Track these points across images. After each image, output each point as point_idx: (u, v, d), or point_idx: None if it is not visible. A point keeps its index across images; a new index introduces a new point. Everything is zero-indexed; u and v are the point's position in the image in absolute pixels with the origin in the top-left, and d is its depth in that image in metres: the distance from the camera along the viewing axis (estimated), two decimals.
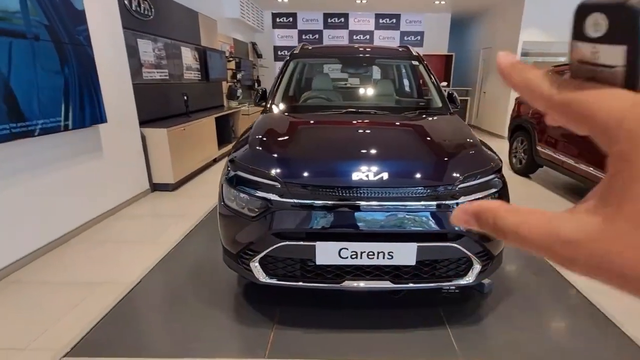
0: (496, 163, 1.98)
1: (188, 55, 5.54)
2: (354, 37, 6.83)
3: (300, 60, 3.34)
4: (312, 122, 2.48)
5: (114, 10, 3.73)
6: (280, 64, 7.36)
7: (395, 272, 1.87)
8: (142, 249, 2.91)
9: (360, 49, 3.37)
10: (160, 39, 4.69)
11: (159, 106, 4.72)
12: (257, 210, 1.85)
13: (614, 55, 0.19)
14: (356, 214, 1.77)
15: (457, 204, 1.79)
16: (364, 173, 1.79)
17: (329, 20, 6.79)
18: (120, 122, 3.78)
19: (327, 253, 1.79)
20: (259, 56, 10.32)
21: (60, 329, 1.97)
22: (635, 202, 0.18)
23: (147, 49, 4.42)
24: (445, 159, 1.94)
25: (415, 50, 3.37)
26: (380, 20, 6.77)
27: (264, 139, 2.16)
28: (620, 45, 0.19)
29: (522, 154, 5.18)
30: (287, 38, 6.86)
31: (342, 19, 6.78)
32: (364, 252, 1.78)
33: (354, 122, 2.46)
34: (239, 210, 1.91)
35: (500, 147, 6.94)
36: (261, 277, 1.90)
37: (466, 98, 8.50)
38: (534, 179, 5.09)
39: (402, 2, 8.64)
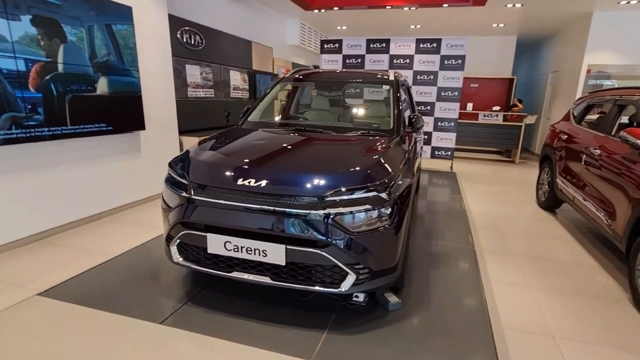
0: (385, 180, 2.02)
1: (237, 77, 6.32)
2: (394, 62, 6.89)
3: (286, 83, 3.67)
4: (249, 135, 2.78)
5: (166, 43, 4.58)
6: None
7: (275, 271, 2.06)
8: (143, 231, 3.53)
9: (341, 74, 3.56)
10: (209, 64, 5.51)
11: (201, 119, 5.52)
12: (175, 203, 2.23)
13: None
14: (238, 213, 2.02)
15: (321, 215, 1.91)
16: (248, 180, 2.04)
17: (372, 46, 6.98)
18: (161, 129, 4.58)
19: (215, 244, 2.07)
20: None
21: (49, 278, 2.60)
22: None
23: (194, 72, 5.25)
24: (324, 173, 2.06)
25: (398, 76, 3.42)
26: (421, 45, 6.71)
27: (200, 147, 2.55)
28: None
29: (546, 187, 4.63)
30: (333, 62, 7.25)
31: (384, 44, 6.90)
32: (244, 247, 2.02)
33: (285, 138, 2.70)
34: (167, 203, 2.32)
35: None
36: (175, 259, 2.27)
37: (520, 124, 7.76)
38: (560, 215, 4.50)
39: (457, 25, 8.39)
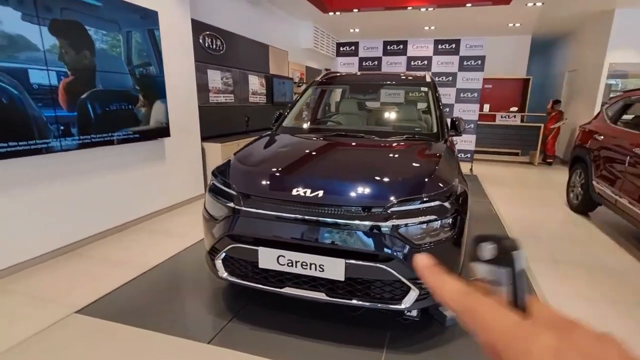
0: (440, 191, 1.89)
1: (255, 82, 6.21)
2: (412, 63, 6.76)
3: (319, 87, 3.55)
4: (291, 142, 2.67)
5: (189, 49, 4.48)
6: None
7: (330, 286, 1.92)
8: (173, 241, 3.41)
9: (375, 76, 3.44)
10: (229, 69, 5.40)
11: (222, 125, 5.40)
12: (221, 214, 2.10)
13: (502, 276, 0.24)
14: (293, 226, 1.89)
15: (387, 226, 1.78)
16: (304, 190, 1.91)
17: (389, 48, 6.86)
18: (184, 136, 4.47)
19: (267, 258, 1.94)
20: None
21: (83, 293, 2.48)
22: None
23: (215, 77, 5.15)
24: (386, 181, 1.93)
25: (430, 77, 3.30)
26: (439, 46, 6.57)
27: (243, 154, 2.42)
28: (505, 268, 0.24)
29: (579, 189, 4.46)
30: (349, 65, 7.13)
31: (401, 46, 6.78)
32: (299, 261, 1.89)
33: (330, 144, 2.57)
34: (211, 214, 2.19)
35: (562, 176, 6.08)
36: (221, 273, 2.14)
37: (539, 125, 7.58)
38: (593, 219, 4.33)
39: (473, 26, 8.25)
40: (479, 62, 6.42)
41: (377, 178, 1.98)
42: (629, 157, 3.35)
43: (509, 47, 9.13)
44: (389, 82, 3.41)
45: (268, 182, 2.04)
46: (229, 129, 5.59)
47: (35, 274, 2.73)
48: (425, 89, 3.13)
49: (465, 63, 6.49)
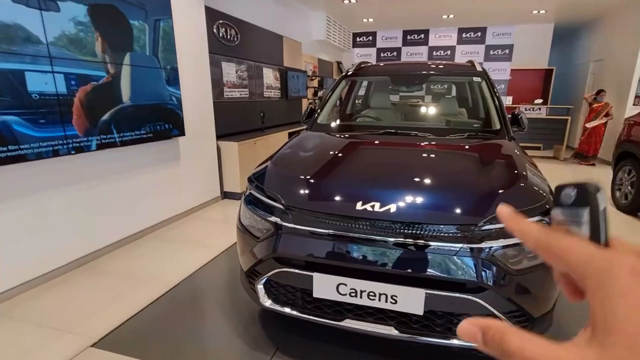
0: (542, 203, 1.53)
1: (269, 75, 5.82)
2: (434, 54, 6.35)
3: (354, 79, 3.17)
4: (339, 143, 2.30)
5: (204, 39, 4.10)
6: None
7: (401, 319, 1.58)
8: (195, 251, 3.07)
9: (417, 65, 3.05)
10: (244, 61, 5.02)
11: (237, 122, 5.03)
12: (264, 231, 1.75)
13: (583, 216, 0.26)
14: (358, 247, 1.54)
15: (479, 249, 1.42)
16: (371, 203, 1.55)
17: (409, 38, 6.45)
18: (199, 135, 4.11)
19: (324, 286, 1.59)
20: None
21: (99, 321, 2.14)
22: (619, 330, 0.20)
23: (230, 70, 4.76)
24: (472, 194, 1.57)
25: (480, 66, 2.92)
26: (464, 35, 6.16)
27: (281, 157, 2.07)
28: (586, 208, 0.25)
29: (629, 187, 4.09)
30: (366, 57, 6.71)
31: (422, 36, 6.37)
32: (365, 291, 1.54)
33: (385, 145, 2.20)
34: (248, 230, 1.84)
35: (603, 175, 5.67)
36: (264, 300, 1.79)
37: (566, 117, 7.17)
38: None
39: (494, 14, 7.80)
40: (507, 51, 6.03)
41: (463, 188, 1.62)
42: None
43: (531, 36, 8.66)
44: (435, 73, 3.03)
45: (325, 194, 1.69)
46: (244, 126, 5.22)
47: (43, 295, 2.40)
48: (479, 79, 2.75)
49: (491, 52, 6.09)
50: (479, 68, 2.85)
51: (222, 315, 2.21)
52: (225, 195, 4.66)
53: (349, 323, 1.63)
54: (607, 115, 6.51)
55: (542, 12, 7.41)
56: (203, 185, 4.29)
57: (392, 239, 1.49)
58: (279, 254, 1.66)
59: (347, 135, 2.44)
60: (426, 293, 1.46)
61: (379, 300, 1.53)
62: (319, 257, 1.59)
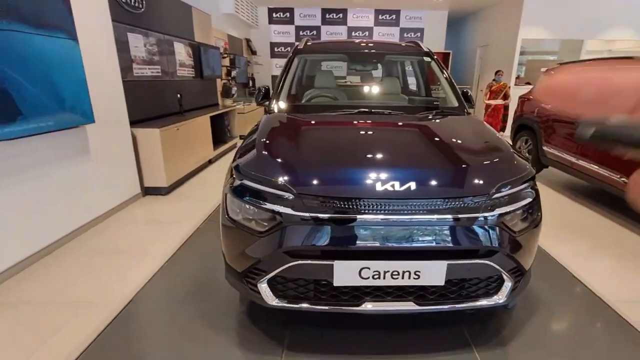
0: (529, 171, 1.77)
1: (181, 51, 5.24)
2: (353, 34, 6.60)
3: (305, 57, 3.10)
4: (323, 124, 2.26)
5: (102, 1, 3.44)
6: (277, 61, 7.12)
7: (419, 293, 1.67)
8: (133, 261, 2.65)
9: (368, 44, 3.14)
10: (152, 33, 4.40)
11: (151, 105, 4.43)
12: (266, 224, 1.62)
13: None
14: (380, 228, 1.55)
15: (492, 216, 1.59)
16: (389, 183, 1.57)
17: (327, 16, 6.54)
18: (109, 122, 3.49)
19: (346, 273, 1.57)
20: (253, 53, 10.03)
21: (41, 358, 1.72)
22: None
23: (138, 43, 4.13)
24: (478, 166, 1.73)
25: (425, 46, 3.16)
26: (380, 17, 6.54)
27: (273, 143, 1.92)
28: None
29: (527, 154, 5.02)
30: (285, 34, 6.59)
31: (341, 15, 6.53)
32: (388, 271, 1.57)
33: (368, 123, 2.24)
34: (245, 225, 1.67)
35: None
36: (270, 300, 1.67)
37: None
38: (539, 180, 4.93)
39: None
40: (419, 34, 6.62)
41: (471, 161, 1.75)
42: None
43: (428, 21, 9.68)
44: (390, 52, 3.15)
45: (340, 178, 1.63)
46: (161, 109, 4.64)
47: None
48: (428, 59, 2.98)
49: (405, 35, 6.61)
50: (425, 48, 3.08)
51: (209, 325, 1.98)
52: (147, 191, 4.11)
53: (369, 306, 1.65)
54: (505, 97, 7.20)
55: (440, 0, 8.33)
56: (120, 181, 3.70)
57: (414, 216, 1.54)
58: (291, 247, 1.56)
59: (325, 116, 2.38)
60: (448, 264, 1.56)
61: (402, 278, 1.58)
62: (341, 243, 1.55)
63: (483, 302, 1.70)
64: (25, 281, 2.39)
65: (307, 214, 1.54)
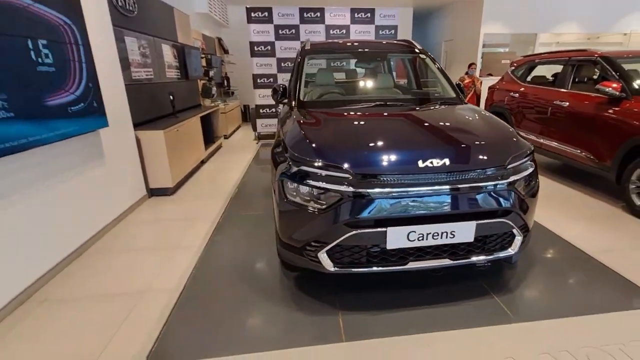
0: (529, 147, 2.24)
1: (168, 53, 5.35)
2: (331, 32, 6.95)
3: (312, 56, 3.41)
4: (356, 115, 2.60)
5: (103, 5, 3.54)
6: (258, 60, 7.30)
7: (452, 250, 2.07)
8: (170, 255, 2.85)
9: (369, 44, 3.52)
10: (144, 36, 4.50)
11: (147, 107, 4.54)
12: (324, 202, 1.94)
13: None
14: (424, 198, 1.93)
15: (508, 183, 2.02)
16: (428, 160, 1.95)
17: (305, 15, 6.84)
18: (117, 125, 3.61)
19: (397, 237, 1.93)
20: (226, 52, 10.11)
21: (120, 344, 1.93)
22: None
23: (133, 47, 4.23)
24: (494, 143, 2.16)
25: (418, 44, 3.59)
26: (356, 15, 6.94)
27: (320, 134, 2.24)
28: None
29: None
30: (264, 33, 6.81)
31: (318, 14, 6.86)
32: (430, 233, 1.95)
33: (394, 113, 2.65)
34: (304, 205, 1.99)
35: None
36: (330, 266, 2.01)
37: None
38: None
39: None
40: (393, 31, 7.10)
41: (489, 139, 2.17)
42: (552, 107, 4.44)
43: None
44: (391, 51, 3.54)
45: (388, 159, 1.98)
46: (156, 111, 4.75)
47: None
48: (423, 56, 3.40)
49: (380, 32, 7.07)
50: (419, 46, 3.51)
51: (265, 298, 2.26)
52: (152, 192, 4.24)
53: (413, 265, 2.03)
54: (476, 92, 7.47)
55: None
56: (129, 184, 3.82)
57: (449, 186, 1.93)
58: (351, 219, 1.90)
59: (351, 109, 2.73)
60: (477, 223, 1.97)
61: (441, 237, 1.97)
62: (393, 212, 1.91)
63: (500, 254, 2.14)
64: (71, 279, 2.53)
65: (365, 190, 1.89)
